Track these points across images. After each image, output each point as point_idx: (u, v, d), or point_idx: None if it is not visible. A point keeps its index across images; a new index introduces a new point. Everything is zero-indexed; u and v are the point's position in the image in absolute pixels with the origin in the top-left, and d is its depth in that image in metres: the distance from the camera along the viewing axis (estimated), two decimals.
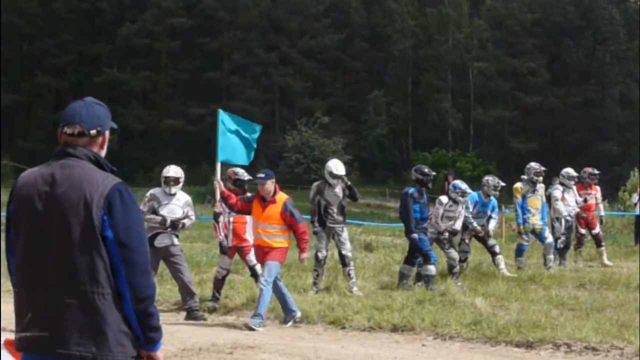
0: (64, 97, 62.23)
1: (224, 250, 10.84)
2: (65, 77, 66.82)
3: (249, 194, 10.07)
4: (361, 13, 72.92)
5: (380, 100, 66.09)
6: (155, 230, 9.83)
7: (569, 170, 15.13)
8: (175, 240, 10.08)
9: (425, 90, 67.22)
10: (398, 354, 7.92)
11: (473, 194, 13.13)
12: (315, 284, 11.52)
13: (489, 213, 13.27)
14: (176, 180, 10.15)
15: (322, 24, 69.53)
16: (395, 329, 8.98)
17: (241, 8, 68.21)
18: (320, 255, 11.53)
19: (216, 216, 10.86)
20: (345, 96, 71.56)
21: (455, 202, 12.33)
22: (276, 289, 9.39)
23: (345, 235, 11.63)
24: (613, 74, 66.58)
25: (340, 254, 11.60)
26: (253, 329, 9.05)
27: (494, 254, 13.18)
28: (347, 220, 12.41)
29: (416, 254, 11.79)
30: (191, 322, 9.80)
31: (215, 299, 10.82)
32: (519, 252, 13.86)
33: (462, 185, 12.55)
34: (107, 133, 3.31)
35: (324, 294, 11.13)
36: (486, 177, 13.76)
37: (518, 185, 13.95)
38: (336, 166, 11.56)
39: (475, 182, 25.37)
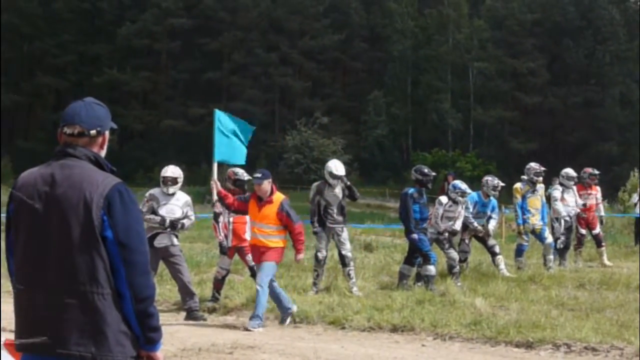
0: (64, 97, 62.23)
1: (223, 251, 10.84)
2: (66, 77, 66.82)
3: (247, 194, 10.06)
4: (361, 13, 72.95)
5: (380, 100, 66.12)
6: (154, 231, 9.83)
7: (569, 171, 15.13)
8: (175, 241, 10.08)
9: (425, 91, 67.25)
10: (398, 354, 7.92)
11: (473, 194, 13.13)
12: (315, 284, 11.51)
13: (488, 213, 13.27)
14: (174, 180, 10.14)
15: (322, 24, 69.55)
16: (395, 329, 8.98)
17: (241, 8, 68.24)
18: (320, 255, 11.53)
19: (216, 216, 10.86)
20: (344, 96, 71.59)
21: (455, 202, 12.33)
22: (270, 289, 9.38)
23: (345, 235, 11.63)
24: (613, 74, 66.63)
25: (340, 254, 11.60)
26: (251, 331, 9.05)
27: (494, 254, 13.18)
28: (348, 223, 12.40)
29: (416, 254, 11.79)
30: (191, 322, 9.79)
31: (215, 299, 10.82)
32: (519, 252, 13.85)
33: (462, 185, 12.56)
34: (107, 133, 3.31)
35: (324, 294, 11.13)
36: (486, 178, 13.76)
37: (518, 185, 13.95)
38: (336, 166, 11.55)
39: (475, 183, 25.36)
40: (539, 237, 13.85)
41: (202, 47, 67.29)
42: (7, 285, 8.24)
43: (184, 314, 10.10)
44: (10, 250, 3.24)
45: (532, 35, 68.52)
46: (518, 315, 9.21)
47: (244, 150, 10.54)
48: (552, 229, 14.45)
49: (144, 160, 58.58)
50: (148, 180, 46.15)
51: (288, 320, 9.53)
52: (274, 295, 9.50)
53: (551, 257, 13.78)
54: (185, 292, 10.04)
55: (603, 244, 15.76)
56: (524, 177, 13.99)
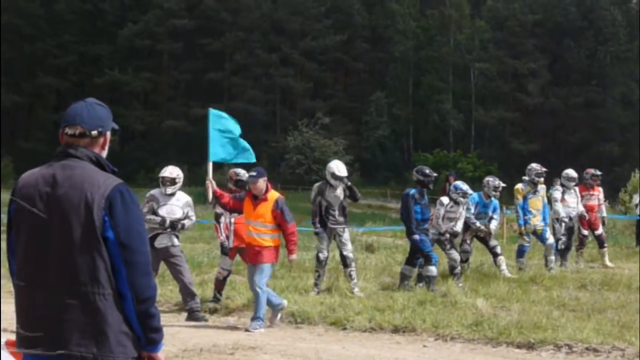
0: (65, 97, 62.19)
1: (225, 251, 10.84)
2: (67, 78, 66.83)
3: (242, 193, 10.02)
4: (362, 14, 72.94)
5: (382, 101, 66.11)
6: (155, 231, 9.82)
7: (569, 172, 15.13)
8: (175, 241, 10.07)
9: (426, 91, 67.23)
10: (399, 355, 7.92)
11: (474, 195, 13.13)
12: (316, 284, 11.51)
13: (489, 214, 13.27)
14: (172, 181, 10.13)
15: (323, 25, 69.53)
16: (396, 330, 8.98)
17: (243, 9, 68.26)
18: (321, 256, 11.52)
19: (217, 217, 10.86)
20: (346, 97, 71.59)
21: (456, 203, 12.33)
22: (254, 288, 9.35)
23: (346, 236, 11.62)
24: (614, 75, 66.60)
25: (341, 254, 11.59)
26: (253, 332, 9.05)
27: (495, 255, 13.18)
28: (349, 224, 12.39)
29: (417, 255, 11.79)
30: (192, 323, 9.79)
31: (216, 299, 10.82)
32: (520, 253, 13.85)
33: (463, 186, 12.56)
34: (108, 134, 3.31)
35: (325, 294, 11.13)
36: (487, 178, 13.76)
37: (519, 186, 13.95)
38: (338, 167, 11.54)
39: (476, 183, 25.37)
40: (540, 238, 13.85)
41: (203, 47, 67.31)
42: (8, 285, 8.25)
43: (185, 314, 10.10)
44: (11, 251, 3.25)
45: (533, 35, 68.50)
46: (519, 316, 9.21)
47: (248, 148, 10.47)
48: (554, 229, 14.45)
49: (145, 161, 58.55)
50: (149, 181, 46.07)
51: (279, 315, 9.52)
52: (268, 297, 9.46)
53: (552, 257, 13.77)
54: (186, 292, 10.04)
55: (605, 244, 15.76)
56: (525, 177, 13.99)
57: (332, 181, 11.47)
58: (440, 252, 12.37)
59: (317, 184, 11.91)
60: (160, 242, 9.89)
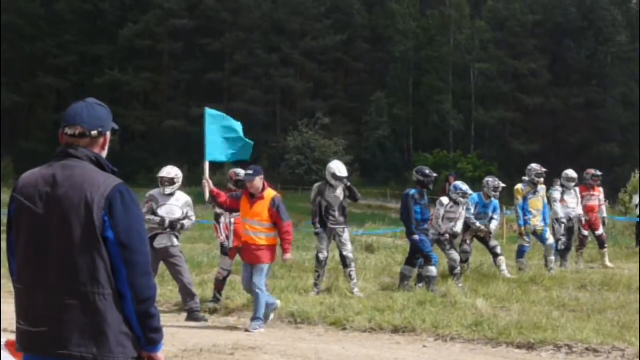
0: (65, 97, 62.19)
1: (225, 251, 10.84)
2: (67, 78, 66.86)
3: (239, 191, 10.00)
4: (363, 14, 72.97)
5: (382, 101, 66.13)
6: (154, 231, 9.82)
7: (569, 172, 15.14)
8: (175, 241, 10.06)
9: (426, 92, 67.27)
10: (399, 355, 7.92)
11: (474, 195, 13.12)
12: (316, 285, 11.51)
13: (489, 214, 13.26)
14: (171, 181, 10.12)
15: (323, 25, 69.56)
16: (396, 330, 8.98)
17: (243, 9, 68.30)
18: (321, 256, 11.52)
19: (217, 217, 10.86)
20: (346, 97, 71.61)
21: (456, 203, 12.33)
22: (251, 289, 9.35)
23: (346, 236, 11.62)
24: (615, 75, 66.65)
25: (341, 255, 11.59)
26: (252, 333, 9.04)
27: (495, 255, 13.17)
28: (349, 225, 12.38)
29: (417, 255, 11.79)
30: (192, 323, 9.79)
31: (216, 300, 10.82)
32: (520, 253, 13.85)
33: (463, 186, 12.56)
34: (108, 134, 3.31)
35: (325, 295, 11.13)
36: (486, 179, 13.75)
37: (519, 186, 13.95)
38: (339, 168, 11.52)
39: (476, 184, 25.36)
40: (540, 238, 13.85)
41: (203, 47, 67.34)
42: (8, 285, 8.25)
43: (185, 314, 10.10)
44: (11, 251, 3.25)
45: (534, 36, 68.53)
46: (519, 317, 9.21)
47: (248, 147, 10.44)
48: (553, 230, 14.45)
49: (145, 161, 58.56)
50: (149, 181, 46.08)
51: (272, 315, 9.51)
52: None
53: (552, 258, 13.77)
54: (186, 293, 10.03)
55: (606, 245, 15.75)
56: (525, 178, 13.99)
57: (332, 181, 11.46)
58: (440, 253, 12.37)
59: (317, 185, 11.90)
60: (160, 242, 9.88)
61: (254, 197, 9.28)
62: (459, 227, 12.41)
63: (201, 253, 16.73)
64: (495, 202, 13.42)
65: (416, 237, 11.59)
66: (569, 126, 66.81)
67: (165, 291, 11.29)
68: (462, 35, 67.37)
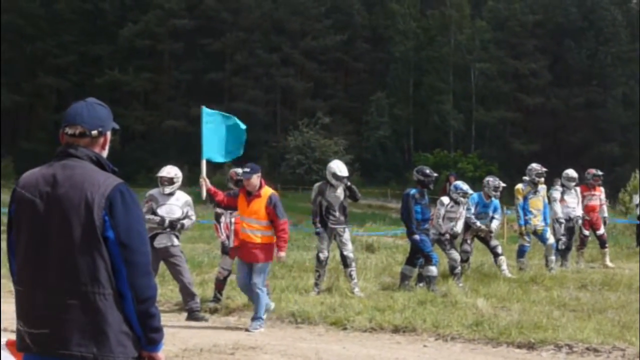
0: (65, 97, 62.11)
1: (225, 251, 10.83)
2: (67, 78, 66.79)
3: (237, 189, 9.98)
4: (363, 14, 72.94)
5: (383, 101, 66.11)
6: (154, 231, 9.81)
7: (570, 172, 15.15)
8: (175, 241, 10.05)
9: (427, 92, 67.22)
10: (399, 355, 7.92)
11: (474, 195, 13.13)
12: (316, 284, 11.51)
13: (490, 214, 13.27)
14: (170, 180, 10.12)
15: (323, 25, 69.52)
16: (396, 330, 8.98)
17: (243, 9, 68.26)
18: (321, 256, 11.52)
19: (218, 217, 10.86)
20: (346, 97, 71.56)
21: (457, 203, 12.34)
22: (248, 288, 9.35)
23: (346, 236, 11.62)
24: (615, 75, 66.59)
25: (341, 254, 11.59)
26: (253, 333, 9.04)
27: (496, 255, 13.18)
28: (349, 225, 12.38)
29: (418, 255, 11.79)
30: (192, 322, 9.79)
31: (216, 299, 10.82)
32: (521, 253, 13.86)
33: (464, 186, 12.57)
34: (108, 134, 3.31)
35: (326, 294, 11.13)
36: (487, 178, 13.77)
37: (519, 186, 13.96)
38: (339, 168, 11.52)
39: (476, 183, 25.36)
40: (541, 238, 13.86)
41: (204, 47, 67.31)
42: (9, 285, 8.25)
43: (185, 314, 10.10)
44: (12, 251, 3.25)
45: (534, 36, 68.49)
46: (520, 316, 9.21)
47: (239, 148, 10.42)
48: (554, 230, 14.46)
49: (145, 161, 58.52)
50: (150, 181, 46.06)
51: (265, 316, 9.48)
52: (251, 293, 9.44)
53: (553, 258, 13.78)
54: (186, 293, 10.03)
55: (607, 245, 15.76)
56: (526, 178, 13.99)
57: (333, 181, 11.46)
58: (440, 252, 12.38)
59: (317, 184, 11.90)
60: (160, 242, 9.88)
61: (251, 195, 9.26)
62: (459, 227, 12.43)
63: (201, 253, 16.73)
64: (496, 201, 13.43)
65: (417, 236, 11.60)
66: (570, 126, 66.77)
67: (166, 291, 11.29)
68: (462, 35, 67.32)
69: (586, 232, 15.46)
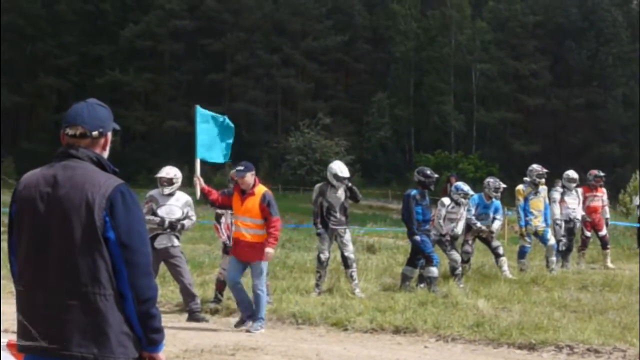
0: (66, 98, 62.15)
1: (226, 251, 10.82)
2: (68, 78, 66.85)
3: (231, 188, 9.96)
4: (364, 15, 72.98)
5: (384, 102, 66.13)
6: (154, 232, 9.80)
7: (570, 173, 15.15)
8: (175, 242, 10.04)
9: (427, 92, 67.23)
10: (400, 355, 7.92)
11: (475, 196, 13.14)
12: (317, 285, 11.50)
13: (490, 215, 13.27)
14: (169, 181, 10.11)
15: (324, 25, 69.57)
16: (397, 330, 8.98)
17: (244, 10, 68.30)
18: (322, 257, 11.51)
19: (218, 217, 10.85)
20: (347, 98, 71.59)
21: (458, 203, 12.34)
22: (237, 288, 9.32)
23: (347, 236, 11.61)
24: (616, 76, 66.60)
25: (342, 255, 11.59)
26: (253, 333, 9.03)
27: (497, 256, 13.18)
28: (350, 225, 12.38)
29: (418, 256, 11.79)
30: (193, 323, 9.78)
31: (217, 300, 10.81)
32: (522, 254, 13.85)
33: (465, 187, 12.57)
34: (109, 134, 3.31)
35: (327, 295, 11.13)
36: (487, 179, 13.77)
37: (520, 187, 13.96)
38: (340, 169, 11.51)
39: (477, 184, 25.36)
40: (542, 239, 13.85)
41: (204, 48, 67.36)
42: (9, 286, 8.24)
43: (186, 315, 10.09)
44: (12, 252, 3.25)
45: (535, 37, 68.52)
46: (520, 317, 9.21)
47: (227, 149, 10.41)
48: (554, 230, 14.45)
49: (146, 162, 58.52)
50: (150, 182, 46.03)
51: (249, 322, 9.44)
52: (239, 294, 9.39)
53: (554, 259, 13.78)
54: (186, 293, 10.02)
55: (609, 246, 15.74)
56: (527, 178, 13.99)
57: (334, 182, 11.45)
58: (441, 253, 12.37)
59: (318, 185, 11.89)
60: (160, 242, 9.87)
61: (245, 194, 9.24)
62: (460, 228, 12.43)
63: (202, 253, 16.72)
64: (497, 202, 13.43)
65: (417, 237, 11.59)
66: (570, 127, 66.77)
67: (167, 292, 11.28)
68: (463, 35, 67.34)
69: (588, 234, 15.45)
